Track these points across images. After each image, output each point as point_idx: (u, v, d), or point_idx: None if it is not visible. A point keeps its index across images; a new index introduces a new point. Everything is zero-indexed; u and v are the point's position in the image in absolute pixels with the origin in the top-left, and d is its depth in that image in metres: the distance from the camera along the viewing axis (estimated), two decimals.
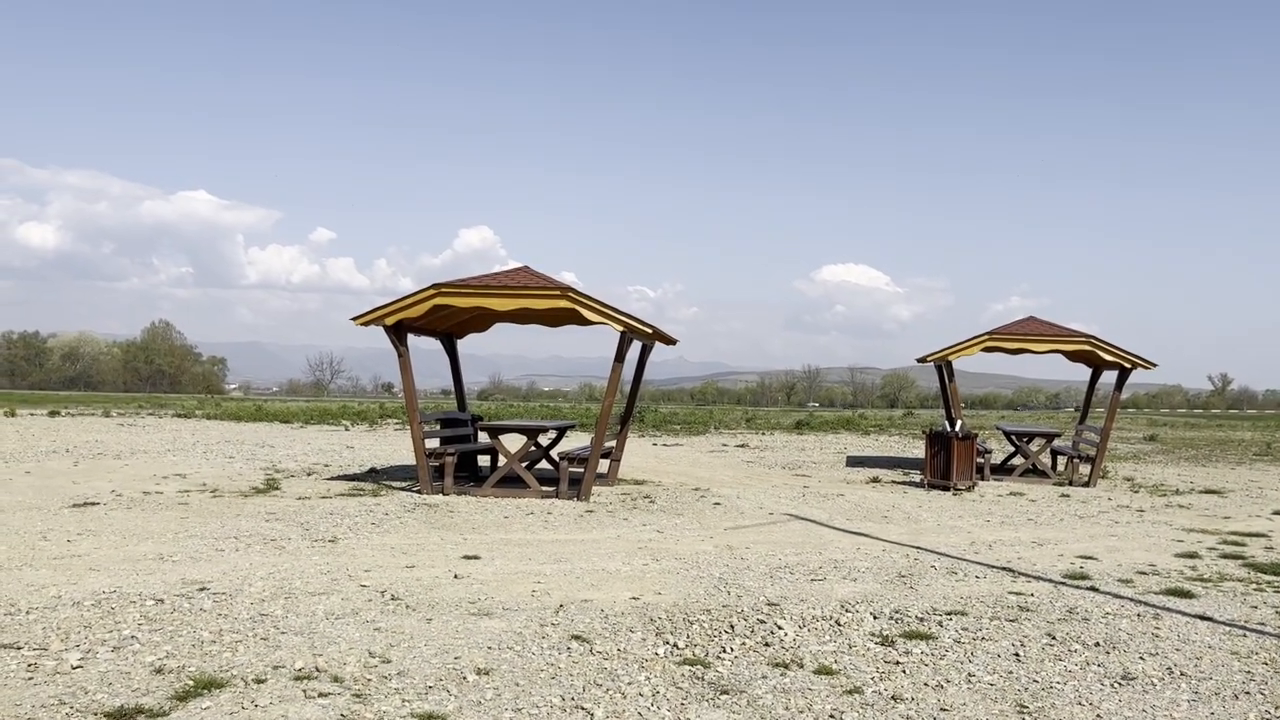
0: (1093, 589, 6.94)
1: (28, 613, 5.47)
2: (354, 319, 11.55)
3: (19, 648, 4.81)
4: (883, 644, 5.35)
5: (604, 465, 12.98)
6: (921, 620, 5.86)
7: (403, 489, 11.80)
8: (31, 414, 28.79)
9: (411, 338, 12.23)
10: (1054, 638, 5.54)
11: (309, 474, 13.56)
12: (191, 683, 4.35)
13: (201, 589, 6.16)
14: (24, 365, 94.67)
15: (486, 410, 34.56)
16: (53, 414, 29.16)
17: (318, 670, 4.61)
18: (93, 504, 9.98)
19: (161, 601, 5.79)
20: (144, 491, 11.09)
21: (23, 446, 16.80)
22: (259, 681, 4.42)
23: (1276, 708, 4.43)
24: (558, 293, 11.02)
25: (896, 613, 6.01)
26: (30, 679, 4.37)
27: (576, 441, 18.69)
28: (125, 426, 23.88)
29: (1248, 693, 4.65)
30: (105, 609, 5.60)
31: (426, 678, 4.56)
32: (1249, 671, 4.99)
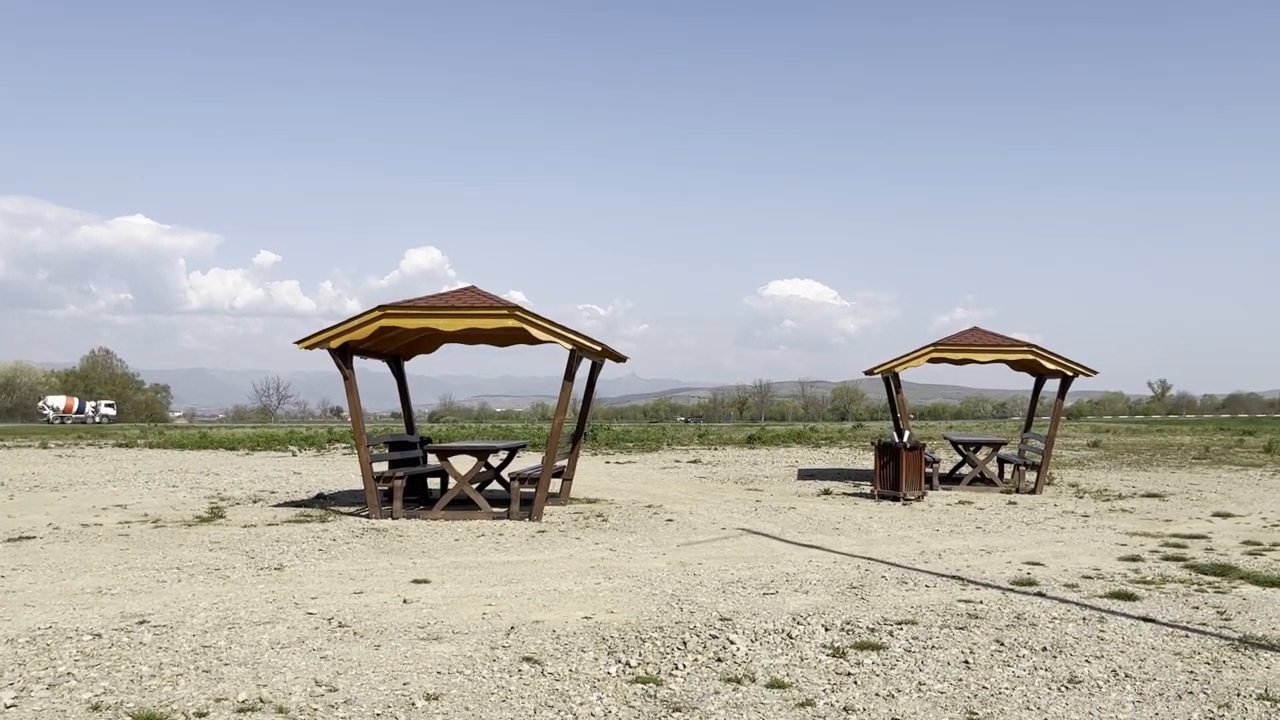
0: (1040, 594, 7.04)
1: None
2: (298, 342, 11.39)
3: None
4: (834, 656, 5.36)
5: (556, 485, 12.91)
6: (873, 631, 5.89)
7: (351, 514, 11.63)
8: None
9: (359, 360, 12.08)
10: (1002, 644, 5.60)
11: (255, 501, 13.30)
12: (129, 719, 4.23)
13: (141, 622, 6.00)
14: None
15: (438, 432, 34.22)
16: None
17: (262, 701, 4.50)
18: (28, 538, 9.68)
19: (99, 636, 5.63)
20: (82, 524, 10.80)
21: None
22: (200, 715, 4.30)
23: (1219, 707, 4.51)
24: (505, 312, 10.96)
25: (848, 624, 6.04)
26: None
27: (528, 461, 18.57)
28: (64, 458, 23.28)
29: (1191, 693, 4.73)
30: (40, 646, 5.42)
31: (374, 705, 4.47)
32: (1192, 671, 5.08)
